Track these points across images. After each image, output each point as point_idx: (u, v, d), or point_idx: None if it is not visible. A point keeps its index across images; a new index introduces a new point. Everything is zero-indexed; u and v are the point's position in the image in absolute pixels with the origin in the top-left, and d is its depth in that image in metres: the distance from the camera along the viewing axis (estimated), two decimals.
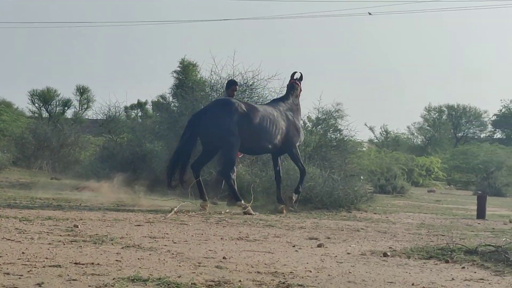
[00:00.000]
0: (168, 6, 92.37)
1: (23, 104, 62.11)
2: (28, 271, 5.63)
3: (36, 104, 39.84)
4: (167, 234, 8.81)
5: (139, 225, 9.66)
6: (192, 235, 8.82)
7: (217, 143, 12.81)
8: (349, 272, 6.45)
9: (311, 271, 6.37)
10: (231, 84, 14.46)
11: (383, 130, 60.70)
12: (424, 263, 7.36)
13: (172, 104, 23.61)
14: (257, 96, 18.30)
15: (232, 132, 12.43)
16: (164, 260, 6.62)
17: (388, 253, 7.78)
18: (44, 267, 5.87)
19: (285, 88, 14.57)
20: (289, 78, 14.46)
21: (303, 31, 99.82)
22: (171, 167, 12.93)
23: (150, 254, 6.93)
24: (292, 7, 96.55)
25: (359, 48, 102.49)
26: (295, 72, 14.41)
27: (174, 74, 27.06)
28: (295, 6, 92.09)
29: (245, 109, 12.67)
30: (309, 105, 23.13)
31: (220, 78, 19.18)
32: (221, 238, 8.64)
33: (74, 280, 5.37)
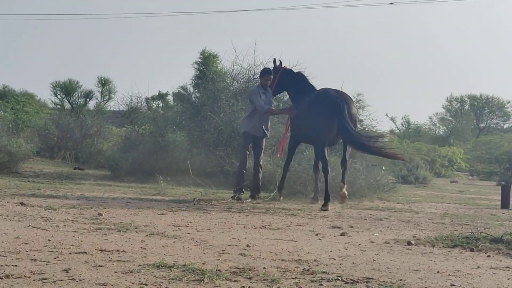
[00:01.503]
0: None
1: (46, 95, 62.42)
2: (55, 258, 5.69)
3: (59, 96, 39.98)
4: (190, 222, 8.85)
5: (162, 214, 9.71)
6: (215, 224, 8.86)
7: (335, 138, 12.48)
8: (374, 260, 6.44)
9: (335, 259, 6.38)
10: (267, 73, 13.21)
11: (404, 120, 60.54)
12: (449, 251, 7.33)
13: (193, 95, 23.64)
14: None
15: None
16: (188, 247, 6.65)
17: (412, 242, 7.76)
18: (70, 253, 5.92)
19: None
20: (278, 67, 13.61)
21: (324, 21, 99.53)
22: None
23: (174, 242, 6.96)
24: None
25: (381, 38, 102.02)
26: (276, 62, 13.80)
27: (195, 65, 27.04)
28: None
29: None
30: None
31: (242, 68, 19.20)
32: (244, 227, 8.66)
33: (100, 266, 5.41)
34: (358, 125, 20.63)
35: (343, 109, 11.84)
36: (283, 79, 13.36)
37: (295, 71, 13.94)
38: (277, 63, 13.69)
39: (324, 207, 11.61)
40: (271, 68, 13.60)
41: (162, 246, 6.65)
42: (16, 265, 5.32)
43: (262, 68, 14.18)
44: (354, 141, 11.82)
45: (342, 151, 12.71)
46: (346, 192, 12.25)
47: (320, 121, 12.05)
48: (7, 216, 8.57)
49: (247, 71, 19.04)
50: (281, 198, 12.95)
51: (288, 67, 13.93)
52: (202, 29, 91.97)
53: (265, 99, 12.98)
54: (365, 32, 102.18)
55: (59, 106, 39.22)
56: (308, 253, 6.68)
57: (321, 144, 12.28)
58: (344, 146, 12.56)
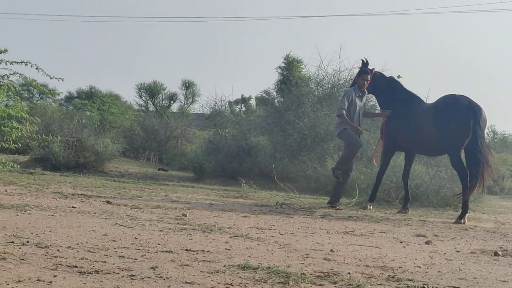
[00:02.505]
0: (274, 2, 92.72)
1: (131, 97, 63.63)
2: (142, 256, 5.78)
3: (143, 98, 40.62)
4: (273, 226, 8.87)
5: (245, 217, 9.77)
6: (298, 228, 8.86)
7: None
8: (460, 270, 6.33)
9: (420, 267, 6.29)
10: (364, 72, 12.64)
11: (490, 130, 59.27)
12: None
13: (276, 99, 23.75)
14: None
15: None
16: (272, 250, 6.66)
17: (499, 253, 7.60)
18: (156, 252, 6.01)
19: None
20: (367, 68, 12.81)
21: (408, 27, 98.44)
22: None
23: (258, 244, 6.99)
24: (394, 3, 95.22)
25: (466, 46, 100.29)
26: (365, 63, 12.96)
27: (279, 70, 27.10)
28: (396, 2, 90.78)
29: None
30: None
31: (326, 74, 19.20)
32: (327, 232, 8.64)
33: (186, 265, 5.47)
34: None
35: (480, 115, 11.47)
36: (377, 82, 12.79)
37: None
38: (364, 63, 12.96)
39: (460, 219, 11.32)
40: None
41: (246, 248, 6.69)
42: (105, 261, 5.43)
43: (357, 70, 13.30)
44: (480, 151, 11.41)
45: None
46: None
47: (457, 128, 11.53)
48: (94, 213, 8.77)
49: (332, 77, 19.03)
50: (371, 207, 12.62)
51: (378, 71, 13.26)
52: (286, 34, 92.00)
53: (360, 105, 12.52)
54: (450, 39, 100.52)
55: (143, 108, 39.86)
56: (393, 260, 6.62)
57: (457, 152, 11.68)
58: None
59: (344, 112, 12.38)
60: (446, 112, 11.65)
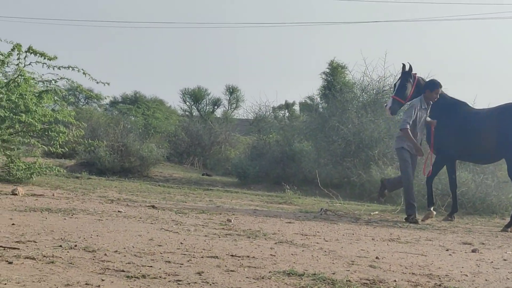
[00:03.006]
0: (318, 8, 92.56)
1: (175, 102, 63.96)
2: (188, 261, 5.82)
3: (187, 103, 40.78)
4: (318, 232, 8.86)
5: (289, 223, 9.77)
6: (343, 235, 8.83)
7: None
8: (507, 278, 6.25)
9: (467, 275, 6.23)
10: (437, 86, 11.69)
11: None
12: None
13: (320, 105, 23.72)
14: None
15: None
16: (317, 256, 6.66)
17: None
18: (202, 257, 6.04)
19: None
20: (412, 74, 12.01)
21: (453, 33, 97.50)
22: None
23: (303, 251, 6.99)
24: (441, 9, 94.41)
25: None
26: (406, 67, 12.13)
27: (323, 76, 27.03)
28: (444, 8, 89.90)
29: None
30: None
31: (371, 80, 19.13)
32: (372, 239, 8.59)
33: (232, 271, 5.50)
34: None
35: None
36: (420, 88, 11.88)
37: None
38: (407, 68, 12.04)
39: (507, 228, 10.99)
40: (403, 74, 12.09)
41: (291, 254, 6.69)
42: (151, 266, 5.48)
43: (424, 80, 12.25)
44: None
45: None
46: None
47: None
48: (140, 218, 8.85)
49: (377, 83, 18.96)
50: (450, 218, 12.05)
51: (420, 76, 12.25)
52: (331, 40, 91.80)
53: (423, 118, 11.72)
54: (498, 44, 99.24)
55: (187, 113, 40.06)
56: (439, 268, 6.56)
57: None
58: None
59: (408, 126, 11.51)
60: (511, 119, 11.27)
